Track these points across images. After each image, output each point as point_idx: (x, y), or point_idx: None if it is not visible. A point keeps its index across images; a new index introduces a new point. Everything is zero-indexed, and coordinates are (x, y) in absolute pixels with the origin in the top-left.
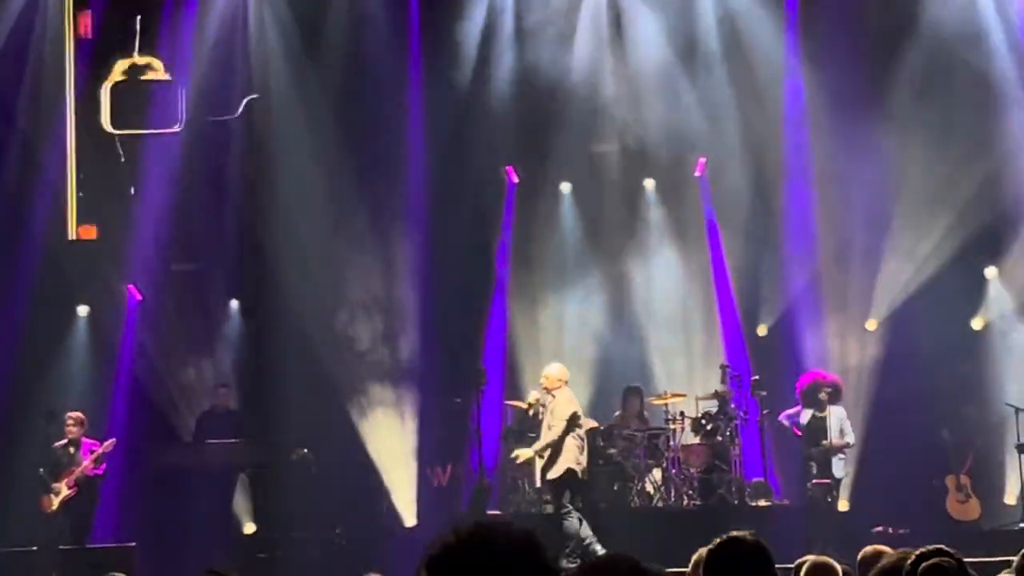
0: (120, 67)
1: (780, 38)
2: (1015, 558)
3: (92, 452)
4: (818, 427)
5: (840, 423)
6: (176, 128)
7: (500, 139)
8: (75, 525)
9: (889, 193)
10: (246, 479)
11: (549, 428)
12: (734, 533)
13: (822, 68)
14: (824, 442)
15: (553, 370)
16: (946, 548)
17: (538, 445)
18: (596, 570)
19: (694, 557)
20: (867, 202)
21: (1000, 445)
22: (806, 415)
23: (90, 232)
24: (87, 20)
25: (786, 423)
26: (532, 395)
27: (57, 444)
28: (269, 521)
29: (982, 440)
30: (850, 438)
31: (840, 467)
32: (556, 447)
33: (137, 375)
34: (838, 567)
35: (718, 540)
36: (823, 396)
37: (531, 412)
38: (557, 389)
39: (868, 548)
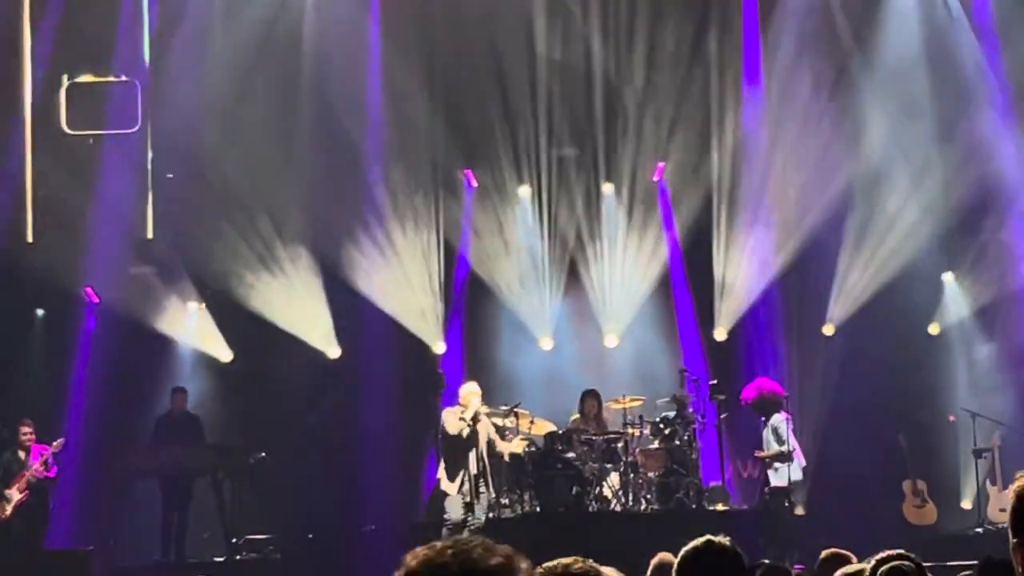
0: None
1: (738, 41)
2: (974, 562)
3: (42, 455)
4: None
5: (773, 432)
6: (134, 129)
7: (458, 141)
8: (28, 530)
9: (847, 199)
10: (204, 482)
11: (494, 441)
12: (709, 537)
13: (782, 72)
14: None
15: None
16: (905, 552)
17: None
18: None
19: (653, 561)
20: (825, 208)
21: (956, 450)
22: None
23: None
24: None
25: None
26: (472, 408)
27: (7, 451)
28: (227, 524)
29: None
30: (786, 447)
31: (776, 476)
32: None
33: (94, 378)
34: (792, 571)
35: (693, 543)
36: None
37: (468, 427)
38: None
39: (828, 551)
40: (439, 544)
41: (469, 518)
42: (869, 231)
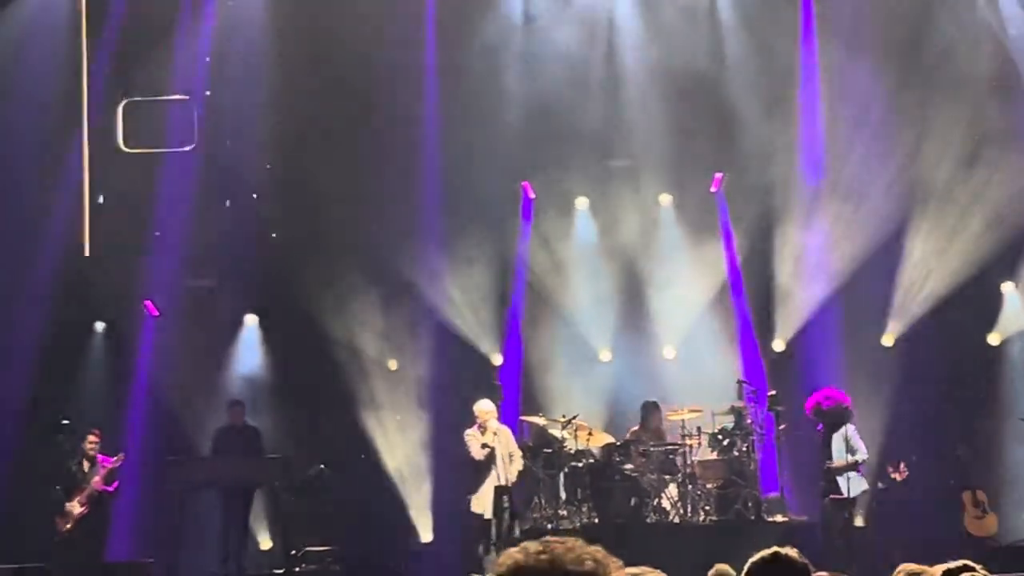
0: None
1: (796, 47)
2: None
3: (104, 467)
4: (826, 445)
5: (845, 441)
6: (190, 147)
7: (516, 153)
8: (89, 542)
9: (906, 207)
10: (263, 494)
11: (511, 458)
12: (777, 548)
13: (839, 79)
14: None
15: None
16: (971, 564)
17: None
18: None
19: (710, 573)
20: (884, 216)
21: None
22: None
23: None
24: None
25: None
26: (491, 430)
27: (72, 461)
28: (286, 536)
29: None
30: (860, 456)
31: (849, 485)
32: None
33: (153, 391)
34: None
35: (760, 554)
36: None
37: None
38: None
39: (906, 566)
40: (531, 546)
41: (508, 531)
42: (929, 240)
